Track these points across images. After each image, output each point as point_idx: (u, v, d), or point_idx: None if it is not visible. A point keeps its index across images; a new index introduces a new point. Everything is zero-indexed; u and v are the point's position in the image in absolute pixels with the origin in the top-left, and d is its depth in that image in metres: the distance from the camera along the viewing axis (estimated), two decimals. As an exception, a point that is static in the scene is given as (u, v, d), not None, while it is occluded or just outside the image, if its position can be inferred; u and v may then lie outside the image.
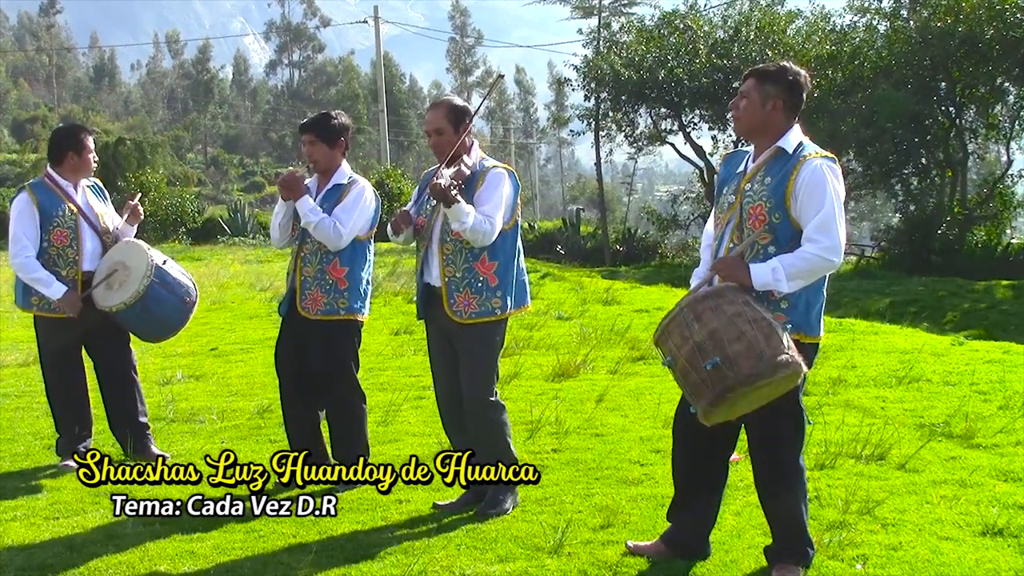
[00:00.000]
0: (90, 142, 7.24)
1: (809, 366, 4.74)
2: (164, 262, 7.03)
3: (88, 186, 7.28)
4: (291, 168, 6.73)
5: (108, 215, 7.30)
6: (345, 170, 6.66)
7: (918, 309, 18.99)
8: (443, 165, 5.80)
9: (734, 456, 5.51)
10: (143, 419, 7.31)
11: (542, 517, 5.77)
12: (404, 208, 6.07)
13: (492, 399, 5.92)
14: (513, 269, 5.93)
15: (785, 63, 4.93)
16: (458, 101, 6.07)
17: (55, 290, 6.94)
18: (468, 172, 5.80)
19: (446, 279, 5.84)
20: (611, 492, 6.26)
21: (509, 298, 5.90)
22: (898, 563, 5.05)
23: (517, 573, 5.04)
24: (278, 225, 6.62)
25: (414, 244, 6.16)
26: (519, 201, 6.00)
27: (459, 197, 5.61)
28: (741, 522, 5.64)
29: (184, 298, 7.08)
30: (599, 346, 11.40)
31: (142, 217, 7.36)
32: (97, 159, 7.31)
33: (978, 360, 10.36)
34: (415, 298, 6.17)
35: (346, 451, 6.58)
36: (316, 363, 6.57)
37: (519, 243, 6.02)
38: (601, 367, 10.35)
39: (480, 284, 5.81)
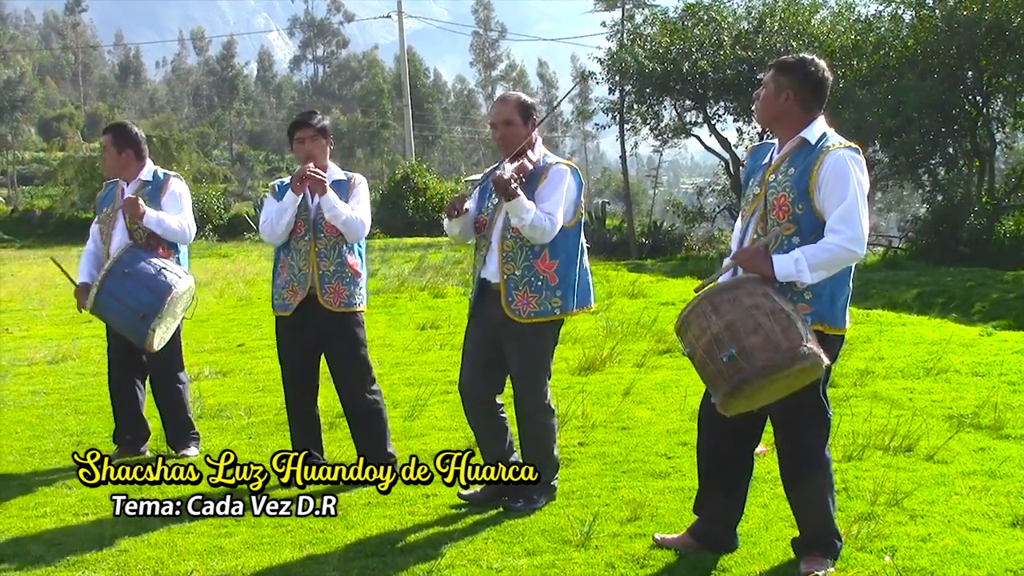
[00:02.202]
0: (105, 140, 7.32)
1: (833, 359, 4.72)
2: (126, 270, 6.80)
3: (144, 180, 7.24)
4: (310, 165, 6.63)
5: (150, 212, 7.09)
6: (334, 167, 6.69)
7: (946, 300, 18.87)
8: (508, 159, 5.74)
9: (760, 448, 5.50)
10: (190, 429, 7.38)
11: (569, 510, 5.77)
12: (462, 194, 5.98)
13: (545, 402, 5.90)
14: (576, 268, 5.84)
15: (805, 55, 4.91)
16: (527, 97, 6.00)
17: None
18: (531, 167, 5.74)
19: (505, 276, 5.78)
20: (638, 485, 6.26)
21: (571, 298, 5.82)
22: (927, 554, 5.02)
23: (545, 566, 5.04)
24: (287, 223, 6.48)
25: (469, 242, 6.17)
26: (583, 199, 5.92)
27: (520, 191, 5.56)
28: (768, 514, 5.62)
29: (140, 312, 6.76)
30: (625, 339, 11.39)
31: (140, 210, 6.97)
32: (109, 155, 7.30)
33: (1007, 350, 10.29)
34: (471, 295, 6.09)
35: (373, 444, 6.62)
36: (341, 357, 6.60)
37: (583, 241, 5.94)
38: (627, 360, 10.34)
39: (540, 283, 5.74)
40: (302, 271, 6.55)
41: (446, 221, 5.96)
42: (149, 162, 7.37)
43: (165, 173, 7.37)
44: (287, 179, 6.64)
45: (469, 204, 5.97)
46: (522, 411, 5.91)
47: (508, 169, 5.59)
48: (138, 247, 7.01)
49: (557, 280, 5.76)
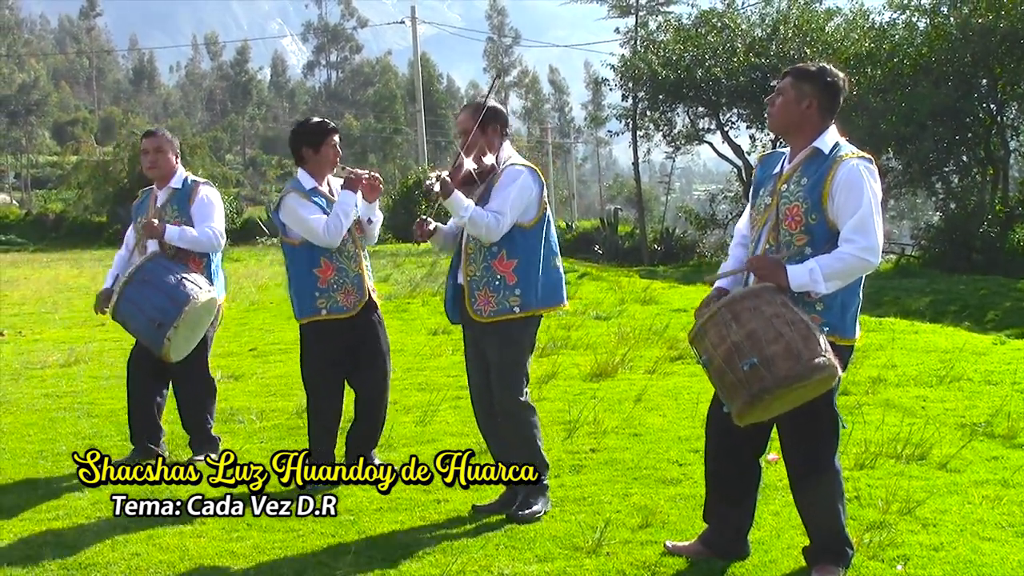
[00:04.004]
0: (144, 143, 7.35)
1: (844, 368, 4.72)
2: (146, 278, 6.79)
3: (175, 188, 7.26)
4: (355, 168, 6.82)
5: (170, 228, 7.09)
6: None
7: (959, 308, 18.80)
8: (459, 156, 5.81)
9: (771, 456, 5.48)
10: (210, 441, 7.33)
11: (580, 517, 5.77)
12: (422, 218, 6.09)
13: (521, 399, 5.90)
14: (537, 267, 5.85)
15: (824, 64, 4.91)
16: (481, 101, 6.09)
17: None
18: (466, 163, 5.78)
19: (468, 278, 5.91)
20: (649, 492, 6.25)
21: (531, 296, 5.83)
22: (939, 564, 5.01)
23: (555, 573, 5.04)
24: (350, 224, 6.60)
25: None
26: (545, 199, 5.94)
27: (448, 190, 5.63)
28: (780, 522, 5.61)
29: (156, 321, 6.69)
30: (637, 346, 11.38)
31: (157, 233, 7.01)
32: (150, 159, 7.28)
33: (1020, 359, 10.26)
34: (444, 302, 6.23)
35: (373, 442, 6.91)
36: (378, 350, 6.81)
37: (550, 241, 5.94)
38: (639, 367, 10.33)
39: (498, 282, 5.82)
40: (355, 273, 6.67)
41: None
42: (181, 167, 7.40)
43: (194, 180, 7.35)
44: (305, 182, 6.73)
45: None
46: (500, 409, 5.93)
47: (435, 176, 5.69)
48: (163, 256, 7.00)
49: (516, 279, 5.82)
